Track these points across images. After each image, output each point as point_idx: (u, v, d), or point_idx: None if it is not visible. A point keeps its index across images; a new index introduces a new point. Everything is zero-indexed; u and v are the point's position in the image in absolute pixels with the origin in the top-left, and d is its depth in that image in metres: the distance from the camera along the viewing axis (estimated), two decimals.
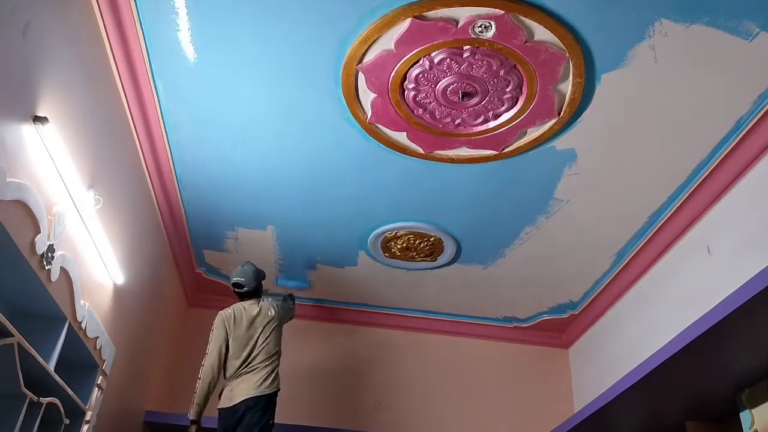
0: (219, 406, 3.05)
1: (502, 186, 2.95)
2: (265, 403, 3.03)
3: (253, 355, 3.10)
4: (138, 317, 3.07)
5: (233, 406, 2.98)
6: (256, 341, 3.13)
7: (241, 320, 3.16)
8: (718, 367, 2.10)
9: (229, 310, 3.20)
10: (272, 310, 3.28)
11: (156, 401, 3.63)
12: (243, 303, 3.27)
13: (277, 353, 3.20)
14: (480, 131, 2.62)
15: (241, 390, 3.01)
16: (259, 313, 3.21)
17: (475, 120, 2.58)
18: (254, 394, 3.01)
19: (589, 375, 3.97)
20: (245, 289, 3.27)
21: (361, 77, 2.39)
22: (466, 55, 2.27)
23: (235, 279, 3.27)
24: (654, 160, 2.69)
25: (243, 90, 2.49)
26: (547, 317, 4.11)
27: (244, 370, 3.06)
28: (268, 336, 3.17)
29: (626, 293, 3.56)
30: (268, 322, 3.20)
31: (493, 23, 2.12)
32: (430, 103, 2.50)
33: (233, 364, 3.08)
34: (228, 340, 3.10)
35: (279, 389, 3.12)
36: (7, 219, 1.70)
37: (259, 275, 3.33)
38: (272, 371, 3.12)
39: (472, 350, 4.27)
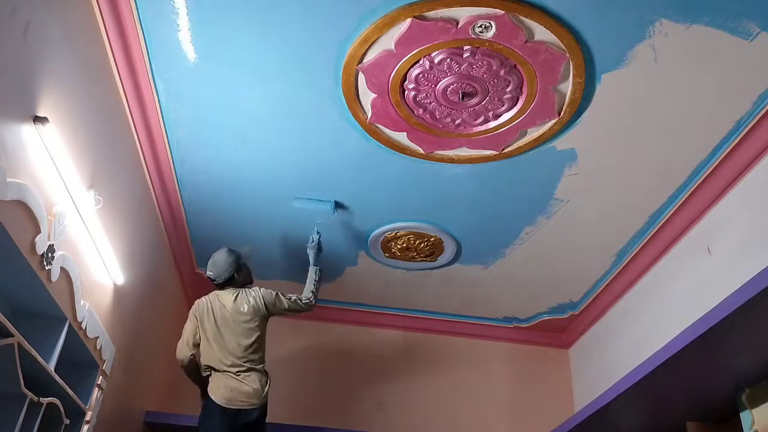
0: (219, 402, 2.85)
1: (503, 186, 2.94)
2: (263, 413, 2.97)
3: (234, 354, 2.92)
4: (138, 317, 3.07)
5: (232, 409, 2.85)
6: (227, 337, 2.95)
7: (210, 312, 3.01)
8: (718, 367, 2.10)
9: (203, 300, 3.07)
10: (245, 305, 3.00)
11: (156, 401, 3.63)
12: (219, 292, 3.08)
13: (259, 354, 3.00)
14: (480, 131, 2.62)
15: (238, 394, 2.88)
16: (232, 306, 3.00)
17: (476, 120, 2.58)
18: (257, 404, 2.90)
19: (589, 375, 3.97)
20: (218, 281, 3.08)
21: (362, 77, 2.39)
22: (466, 55, 2.26)
23: (207, 273, 3.10)
24: (654, 160, 2.69)
25: (243, 90, 2.49)
26: (547, 317, 4.10)
27: (229, 370, 2.91)
28: (243, 333, 2.95)
29: (626, 293, 3.56)
30: (241, 320, 2.98)
31: (493, 23, 2.12)
32: (430, 103, 2.50)
33: (214, 356, 2.94)
34: (196, 333, 3.00)
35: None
36: (7, 219, 1.70)
37: (235, 260, 3.07)
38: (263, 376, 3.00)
39: (472, 350, 4.27)
